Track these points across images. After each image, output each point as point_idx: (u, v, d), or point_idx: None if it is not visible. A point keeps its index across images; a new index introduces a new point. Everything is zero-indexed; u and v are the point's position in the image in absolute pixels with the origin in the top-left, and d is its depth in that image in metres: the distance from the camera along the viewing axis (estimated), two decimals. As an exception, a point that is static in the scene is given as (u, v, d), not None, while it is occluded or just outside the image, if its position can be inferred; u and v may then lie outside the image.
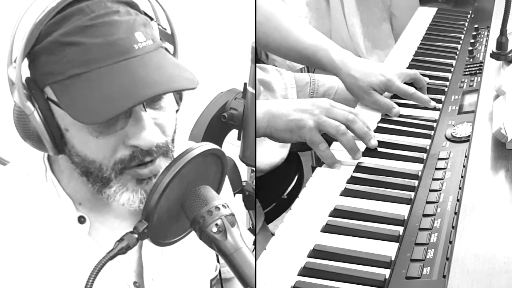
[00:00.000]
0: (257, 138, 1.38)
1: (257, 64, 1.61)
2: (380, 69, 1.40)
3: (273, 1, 1.49)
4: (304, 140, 1.18)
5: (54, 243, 0.87)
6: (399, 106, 1.38)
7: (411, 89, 1.38)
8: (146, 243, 0.92)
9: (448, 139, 1.19)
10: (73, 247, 0.88)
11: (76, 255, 0.88)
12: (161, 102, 0.83)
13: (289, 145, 1.49)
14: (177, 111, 0.90)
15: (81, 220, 0.89)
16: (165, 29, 0.90)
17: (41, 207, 0.88)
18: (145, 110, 0.80)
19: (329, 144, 1.18)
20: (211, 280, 1.03)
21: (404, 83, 1.39)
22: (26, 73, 0.82)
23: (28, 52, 0.80)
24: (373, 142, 1.18)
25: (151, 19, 0.87)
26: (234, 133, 1.55)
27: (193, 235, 0.84)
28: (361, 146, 1.21)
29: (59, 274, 0.87)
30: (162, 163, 0.83)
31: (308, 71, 2.60)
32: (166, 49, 0.87)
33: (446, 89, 1.45)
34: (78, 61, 0.77)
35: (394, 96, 1.41)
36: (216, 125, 1.53)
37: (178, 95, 0.91)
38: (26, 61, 0.82)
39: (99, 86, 0.76)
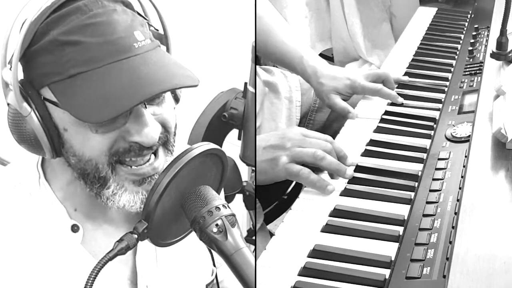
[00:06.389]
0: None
1: (262, 66, 1.61)
2: (347, 73, 1.43)
3: (261, 2, 1.49)
4: (282, 178, 1.09)
5: (46, 253, 0.86)
6: (400, 105, 1.38)
7: (378, 85, 1.41)
8: (140, 250, 0.92)
9: (448, 139, 1.19)
10: (66, 256, 0.87)
11: (68, 264, 0.87)
12: (161, 98, 0.83)
13: None
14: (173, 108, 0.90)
15: (74, 228, 0.88)
16: (157, 29, 0.90)
17: (33, 216, 0.87)
18: (146, 106, 0.80)
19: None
20: (207, 285, 1.02)
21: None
22: (19, 75, 0.81)
23: (23, 53, 0.79)
24: (349, 172, 1.08)
25: (144, 19, 0.87)
26: (234, 132, 1.55)
27: (189, 239, 0.84)
28: (362, 145, 1.21)
29: (50, 284, 0.86)
30: (161, 155, 0.84)
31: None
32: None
33: (446, 89, 1.45)
34: (78, 60, 0.77)
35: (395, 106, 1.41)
36: (216, 125, 1.52)
37: (174, 95, 0.90)
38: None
39: (101, 85, 0.76)
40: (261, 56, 1.57)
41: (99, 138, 0.79)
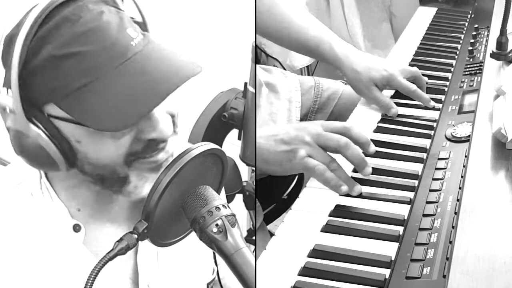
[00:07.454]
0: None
1: (261, 66, 1.61)
2: (382, 64, 1.40)
3: None
4: (297, 171, 1.07)
5: (48, 253, 0.86)
6: (400, 106, 1.38)
7: (413, 86, 1.38)
8: (142, 248, 0.91)
9: (448, 139, 1.19)
10: (67, 256, 0.87)
11: (70, 264, 0.87)
12: None
13: None
14: None
15: (76, 228, 0.88)
16: (133, 18, 0.86)
17: (34, 216, 0.86)
18: None
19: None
20: (208, 284, 1.02)
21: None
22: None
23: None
24: (368, 170, 1.05)
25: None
26: (234, 132, 1.55)
27: (190, 239, 0.84)
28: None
29: (52, 284, 0.86)
30: (171, 139, 0.83)
31: (308, 73, 2.60)
32: None
33: (446, 89, 1.45)
34: (80, 72, 0.74)
35: (396, 95, 1.41)
36: (216, 125, 1.52)
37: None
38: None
39: (112, 91, 0.74)
40: (280, 44, 1.51)
41: (116, 143, 0.78)
